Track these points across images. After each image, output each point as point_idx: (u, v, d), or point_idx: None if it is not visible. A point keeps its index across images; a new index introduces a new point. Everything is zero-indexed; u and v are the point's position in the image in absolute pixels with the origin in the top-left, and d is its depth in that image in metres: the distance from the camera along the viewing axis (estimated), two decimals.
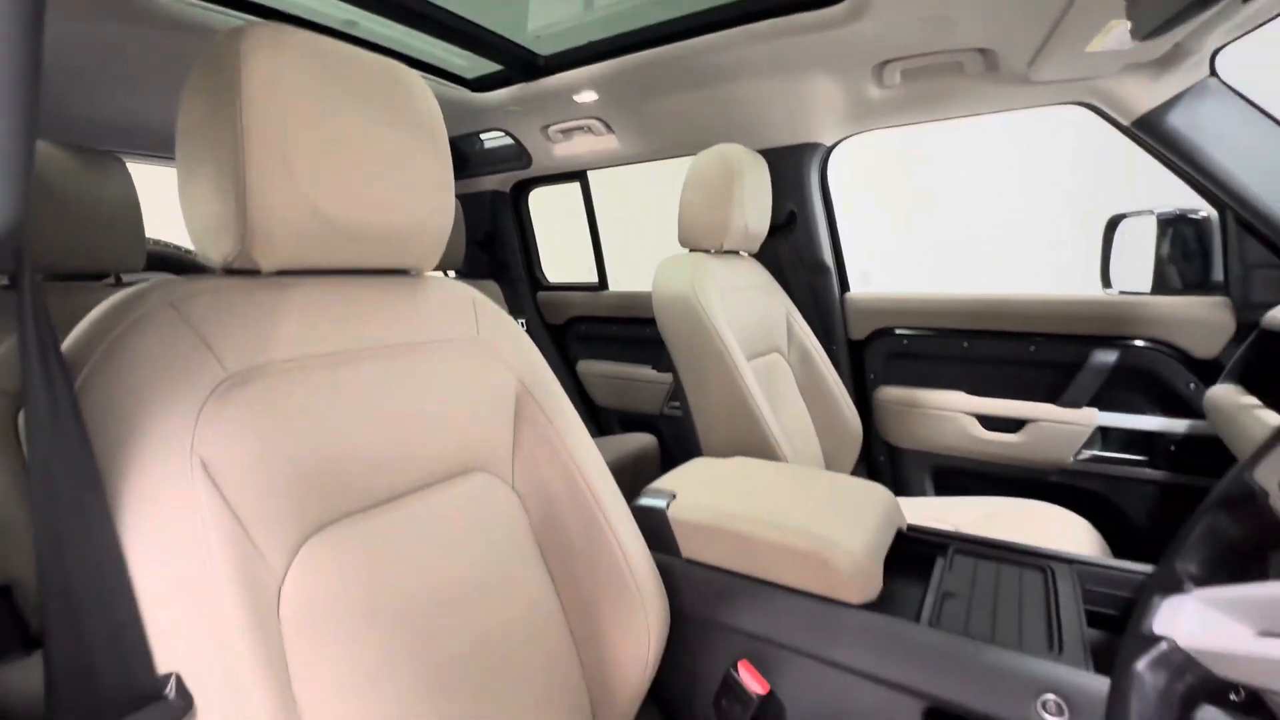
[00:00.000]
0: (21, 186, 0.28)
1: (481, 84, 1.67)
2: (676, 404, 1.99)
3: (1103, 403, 1.40)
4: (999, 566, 0.82)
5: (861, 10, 1.15)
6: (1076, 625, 0.68)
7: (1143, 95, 1.18)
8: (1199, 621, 0.36)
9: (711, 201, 1.35)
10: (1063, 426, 1.42)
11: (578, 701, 0.69)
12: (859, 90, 1.43)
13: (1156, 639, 0.37)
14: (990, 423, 1.52)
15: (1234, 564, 0.40)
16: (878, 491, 0.88)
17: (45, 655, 0.37)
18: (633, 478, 1.67)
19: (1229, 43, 1.06)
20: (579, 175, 2.08)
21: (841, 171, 1.69)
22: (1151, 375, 1.35)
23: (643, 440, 1.96)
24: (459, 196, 2.13)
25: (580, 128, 1.79)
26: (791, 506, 0.82)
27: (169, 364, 0.47)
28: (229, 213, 0.51)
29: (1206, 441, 1.27)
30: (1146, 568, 0.77)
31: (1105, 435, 1.41)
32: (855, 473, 1.56)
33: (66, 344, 0.46)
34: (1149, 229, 1.33)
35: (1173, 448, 1.33)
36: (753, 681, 0.73)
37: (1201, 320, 1.27)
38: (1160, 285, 1.32)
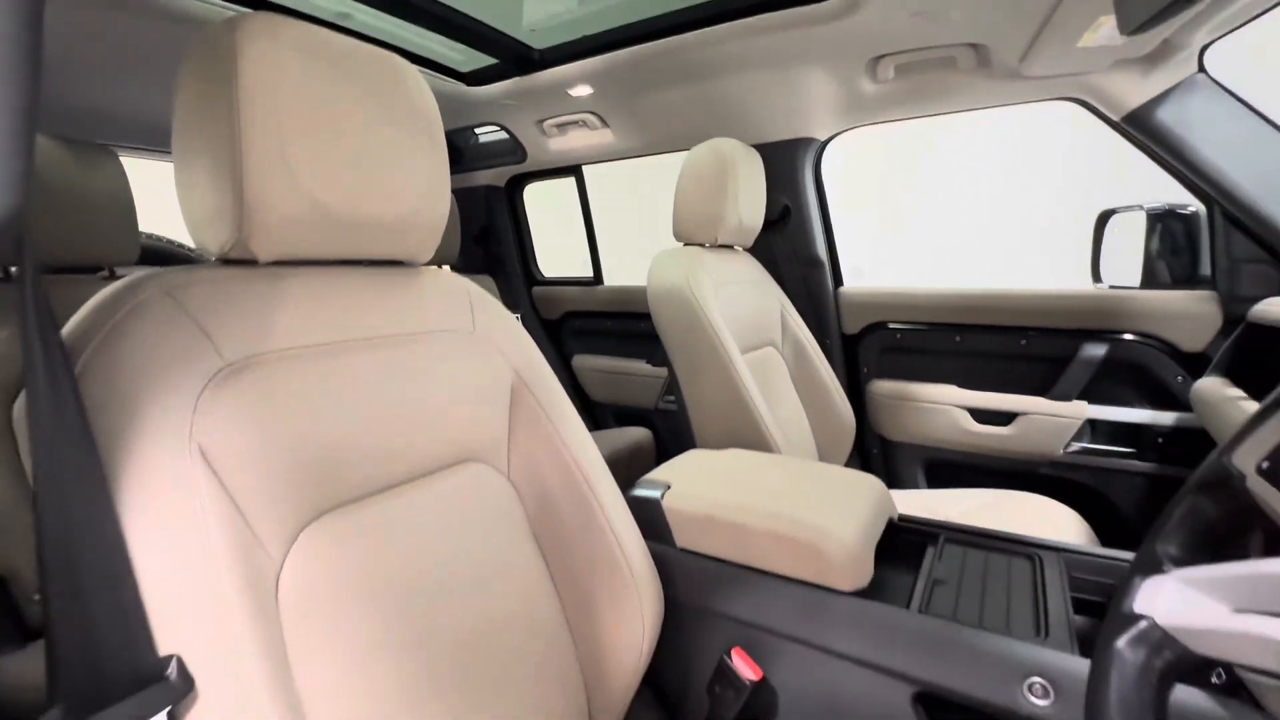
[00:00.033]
0: (23, 174, 0.29)
1: (476, 78, 1.67)
2: (671, 398, 2.00)
3: (1092, 396, 1.42)
4: (988, 555, 0.83)
5: (855, 5, 1.16)
6: (1063, 611, 0.69)
7: (1132, 91, 1.20)
8: (1178, 600, 0.37)
9: (706, 196, 1.36)
10: (1053, 419, 1.43)
11: (573, 688, 0.69)
12: (853, 85, 1.43)
13: (1136, 617, 0.38)
14: (981, 416, 1.54)
15: (1212, 545, 0.41)
16: (869, 482, 0.89)
17: (48, 637, 0.37)
18: (628, 471, 1.68)
19: (1216, 39, 1.08)
20: (574, 170, 2.08)
21: (835, 166, 1.70)
22: (1140, 369, 1.37)
23: (638, 434, 1.97)
24: (454, 191, 2.13)
25: (575, 122, 1.79)
26: (784, 496, 0.83)
27: (167, 352, 0.47)
28: (226, 202, 0.51)
29: (1193, 434, 1.29)
30: (1131, 555, 0.79)
31: (1094, 428, 1.43)
32: (848, 465, 1.57)
33: (64, 332, 0.47)
34: (1138, 224, 1.35)
35: (1160, 440, 1.35)
36: (746, 668, 0.74)
37: (1189, 314, 1.29)
38: (1149, 280, 1.34)
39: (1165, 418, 1.33)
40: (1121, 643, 0.38)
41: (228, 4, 1.13)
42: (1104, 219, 1.38)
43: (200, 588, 0.42)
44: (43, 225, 1.06)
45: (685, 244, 1.42)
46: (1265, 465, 0.40)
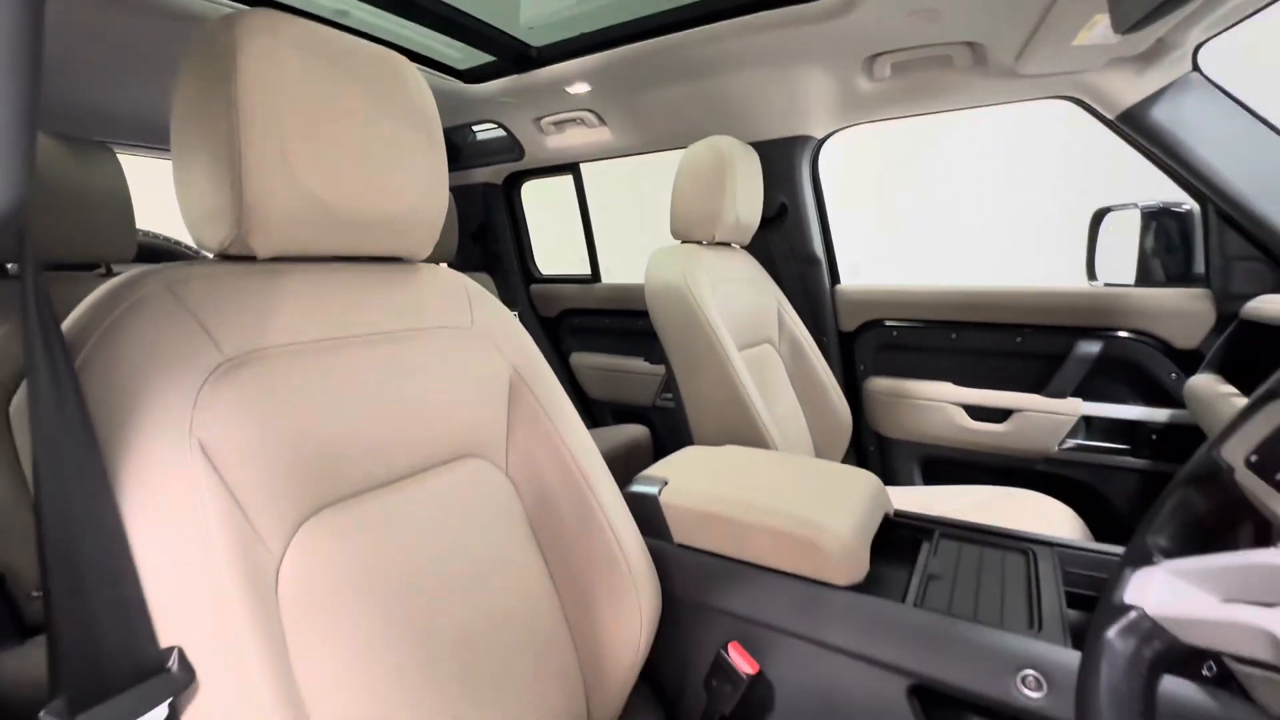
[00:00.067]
0: (25, 170, 0.29)
1: (474, 75, 1.67)
2: (669, 395, 2.00)
3: (1087, 393, 1.43)
4: (982, 550, 0.84)
5: (852, 3, 1.16)
6: (1056, 605, 0.70)
7: (1127, 89, 1.20)
8: (1167, 591, 0.38)
9: (703, 193, 1.36)
10: (1048, 416, 1.44)
11: (571, 682, 0.70)
12: (850, 83, 1.44)
13: (1126, 608, 0.39)
14: (977, 413, 1.54)
15: (1202, 537, 0.42)
16: (865, 477, 0.89)
17: (49, 630, 0.37)
18: (625, 468, 1.68)
19: (1211, 38, 1.09)
20: (572, 167, 2.09)
21: (832, 165, 1.70)
22: (1134, 366, 1.38)
23: (635, 431, 1.97)
24: (451, 189, 2.13)
25: (573, 120, 1.79)
26: (781, 492, 0.83)
27: (167, 347, 0.47)
28: (225, 198, 0.51)
29: (1187, 430, 1.30)
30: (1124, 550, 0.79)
31: (1089, 424, 1.44)
32: (845, 462, 1.58)
33: (64, 327, 0.47)
34: (1133, 222, 1.35)
35: (1154, 436, 1.36)
36: (743, 662, 0.75)
37: (1183, 311, 1.30)
38: (1144, 277, 1.35)
39: (1159, 414, 1.34)
40: (1112, 633, 0.38)
41: (226, 1, 1.13)
42: (1099, 217, 1.39)
43: (200, 582, 0.43)
44: (40, 222, 1.06)
45: (683, 241, 1.42)
46: (1253, 458, 0.40)
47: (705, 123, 1.62)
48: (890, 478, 1.71)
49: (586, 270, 2.23)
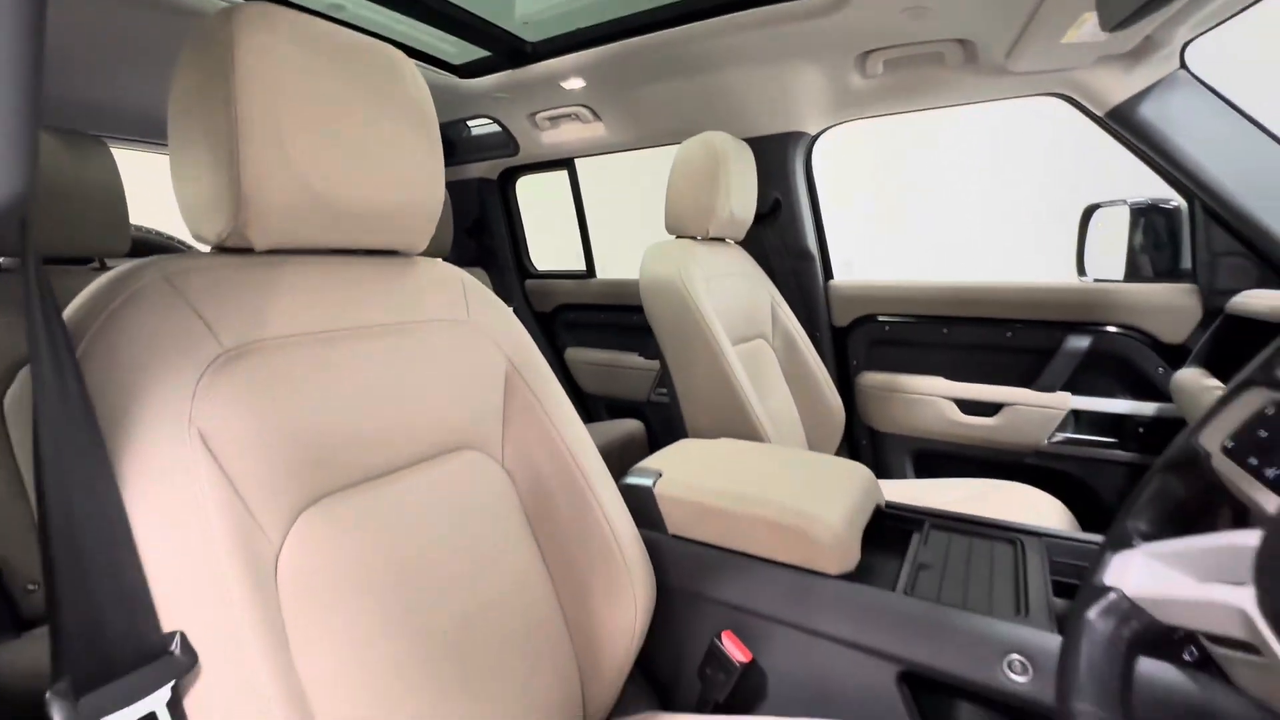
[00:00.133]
0: (29, 158, 0.29)
1: (469, 70, 1.67)
2: (663, 390, 2.01)
3: (1076, 387, 1.44)
4: (972, 540, 0.85)
5: (845, 0, 1.17)
6: (1043, 592, 0.71)
7: (1116, 87, 1.22)
8: (1146, 573, 0.39)
9: (697, 188, 1.37)
10: (1037, 410, 1.46)
11: (566, 671, 0.71)
12: (843, 80, 1.45)
13: (1106, 590, 0.40)
14: (968, 407, 1.56)
15: (1180, 521, 0.43)
16: (857, 469, 0.91)
17: (52, 616, 0.38)
18: (620, 462, 1.70)
19: (1197, 36, 1.10)
20: (567, 163, 2.09)
21: (825, 161, 1.71)
22: (1123, 360, 1.39)
23: (630, 426, 1.98)
24: (446, 184, 2.13)
25: (568, 115, 1.80)
26: (774, 483, 0.84)
27: (166, 338, 0.48)
28: (223, 190, 0.51)
29: (1173, 423, 1.32)
30: None
31: (1078, 418, 1.46)
32: (838, 456, 1.60)
33: (64, 316, 0.47)
34: (1122, 218, 1.37)
35: (1141, 430, 1.38)
36: (736, 651, 0.76)
37: (1170, 306, 1.32)
38: (1132, 273, 1.37)
39: (1146, 408, 1.36)
40: (1092, 613, 0.40)
41: None
42: (1089, 213, 1.41)
43: (201, 569, 0.43)
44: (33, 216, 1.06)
45: (677, 236, 1.43)
46: (1229, 445, 0.41)
47: (700, 118, 1.62)
48: (882, 471, 1.73)
49: (584, 266, 2.23)
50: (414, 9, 1.27)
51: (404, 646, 0.56)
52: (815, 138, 1.67)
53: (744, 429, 1.24)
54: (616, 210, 2.33)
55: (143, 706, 0.37)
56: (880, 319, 1.69)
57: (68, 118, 1.38)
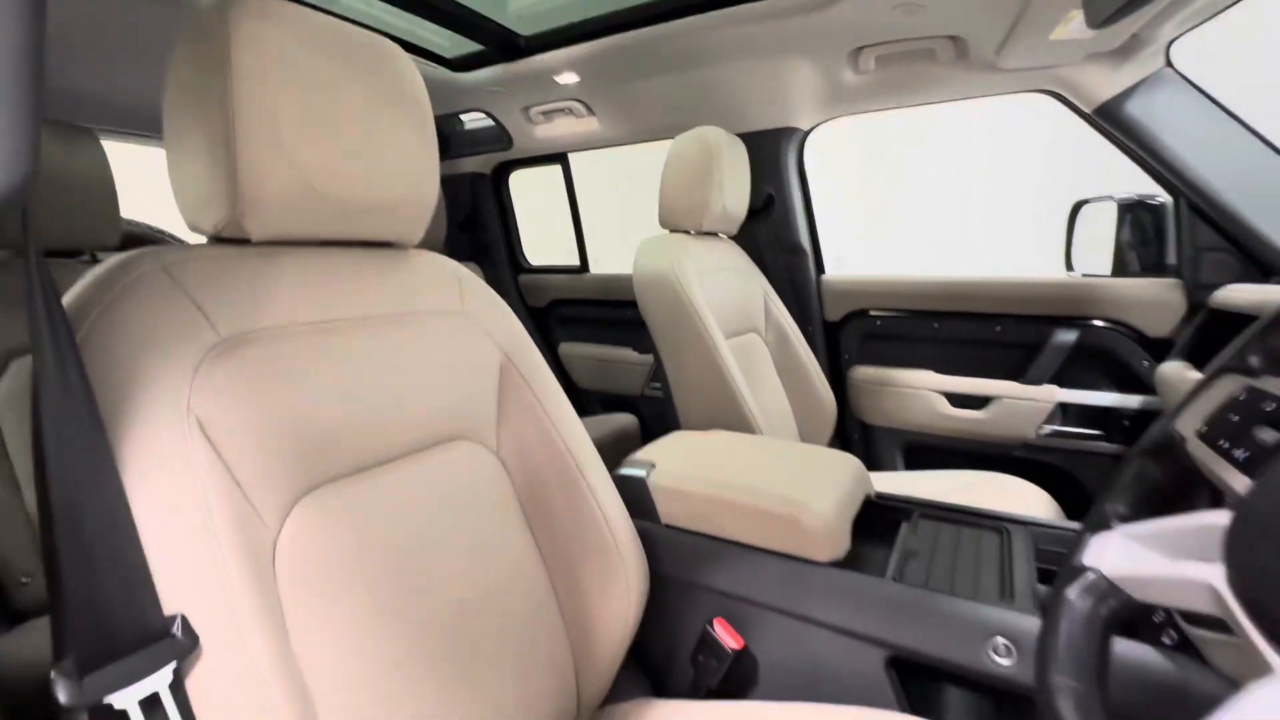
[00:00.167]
0: (31, 145, 0.30)
1: (462, 64, 1.67)
2: (657, 385, 2.02)
3: (1063, 380, 1.46)
4: (959, 529, 0.87)
5: None
6: (1028, 579, 0.73)
7: (1103, 84, 1.23)
8: (1122, 553, 0.41)
9: (691, 183, 1.38)
10: (1025, 403, 1.48)
11: (561, 659, 0.72)
12: (835, 75, 1.46)
13: (1085, 570, 0.41)
14: (958, 400, 1.58)
15: (1157, 503, 0.44)
16: (847, 460, 0.92)
17: (54, 597, 0.38)
18: (614, 456, 1.70)
19: (1183, 34, 1.12)
20: (560, 158, 2.09)
21: (817, 158, 1.73)
22: (1109, 354, 1.42)
23: (624, 420, 1.99)
24: (439, 178, 2.12)
25: (561, 110, 1.80)
26: (765, 473, 0.86)
27: (164, 327, 0.48)
28: (220, 181, 0.52)
29: (1157, 416, 1.34)
30: None
31: (1065, 411, 1.48)
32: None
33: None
34: (1110, 214, 1.39)
35: (1126, 422, 1.40)
36: (728, 637, 0.77)
37: (1156, 301, 1.34)
38: (1119, 268, 1.39)
39: (1131, 400, 1.38)
40: (1071, 592, 0.41)
41: None
42: (1077, 209, 1.43)
43: (200, 554, 0.44)
44: None
45: (670, 231, 1.44)
46: (1204, 429, 0.43)
47: (693, 114, 1.63)
48: (873, 464, 1.74)
49: (578, 261, 2.23)
50: (407, 2, 1.27)
51: (400, 634, 0.56)
52: (807, 133, 1.68)
53: (736, 422, 1.26)
54: (620, 205, 2.33)
55: (146, 686, 0.38)
56: (872, 313, 1.71)
57: (58, 109, 1.37)
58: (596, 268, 2.22)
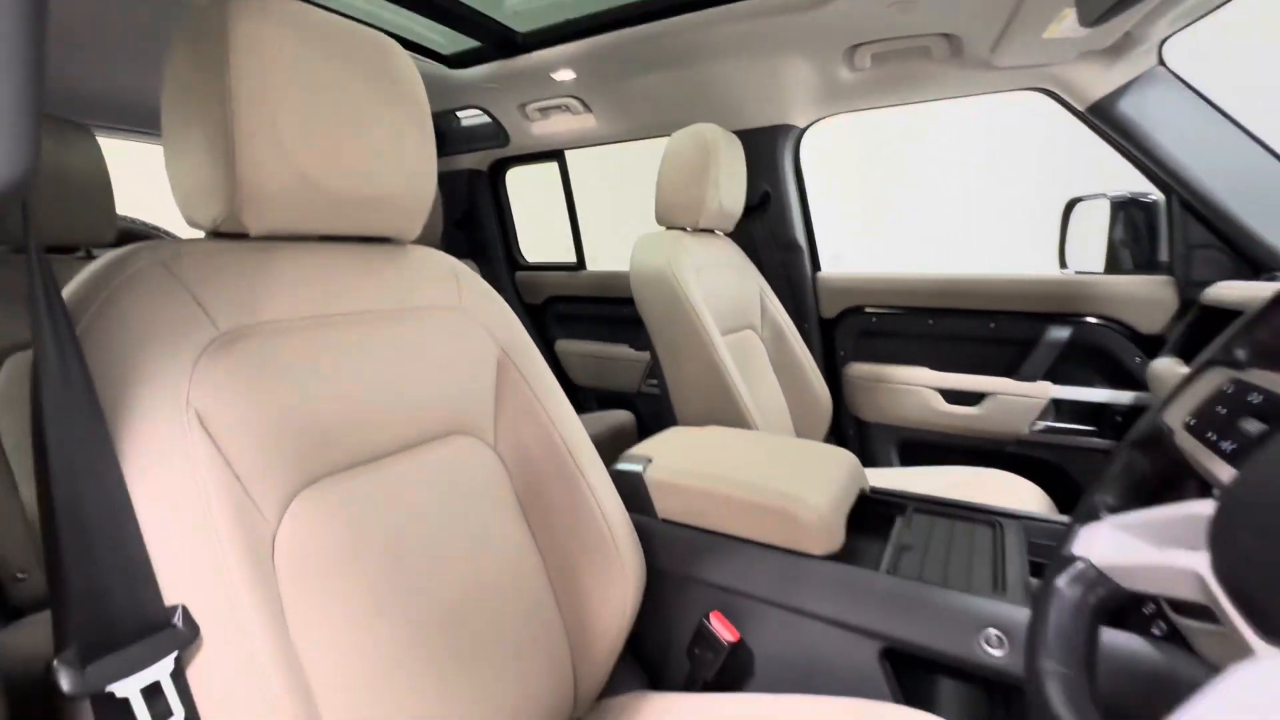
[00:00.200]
0: (33, 137, 0.30)
1: (459, 60, 1.67)
2: (653, 381, 2.02)
3: (1056, 376, 1.48)
4: (953, 523, 0.87)
5: None
6: (1020, 571, 0.74)
7: (1096, 82, 1.24)
8: (1111, 542, 0.41)
9: (687, 180, 1.38)
10: (1019, 399, 1.49)
11: (558, 652, 0.72)
12: (831, 73, 1.46)
13: (1074, 559, 0.42)
14: (952, 396, 1.59)
15: (1145, 494, 0.45)
16: (842, 455, 0.93)
17: (56, 587, 0.39)
18: (610, 453, 1.70)
19: (1175, 32, 1.13)
20: (557, 155, 2.09)
21: (813, 155, 1.73)
22: (1102, 350, 1.43)
23: (620, 417, 2.00)
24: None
25: (558, 107, 1.80)
26: (761, 468, 0.86)
27: (163, 321, 0.48)
28: (218, 175, 0.52)
29: None
30: None
31: (1058, 407, 1.49)
32: None
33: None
34: (1103, 211, 1.40)
35: (1119, 418, 1.41)
36: (724, 630, 0.78)
37: (1148, 298, 1.35)
38: (1112, 265, 1.40)
39: (1124, 397, 1.40)
40: (1061, 581, 0.42)
41: None
42: (1071, 206, 1.44)
43: (201, 547, 0.44)
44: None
45: (667, 228, 1.44)
46: (1191, 422, 0.44)
47: (690, 111, 1.63)
48: (869, 460, 1.75)
49: (574, 258, 2.23)
50: None
51: (398, 627, 0.57)
52: (804, 131, 1.68)
53: (733, 418, 1.26)
54: (623, 202, 2.32)
55: (148, 675, 0.38)
56: (867, 310, 1.72)
57: (54, 105, 1.36)
58: (592, 264, 2.23)
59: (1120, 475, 0.46)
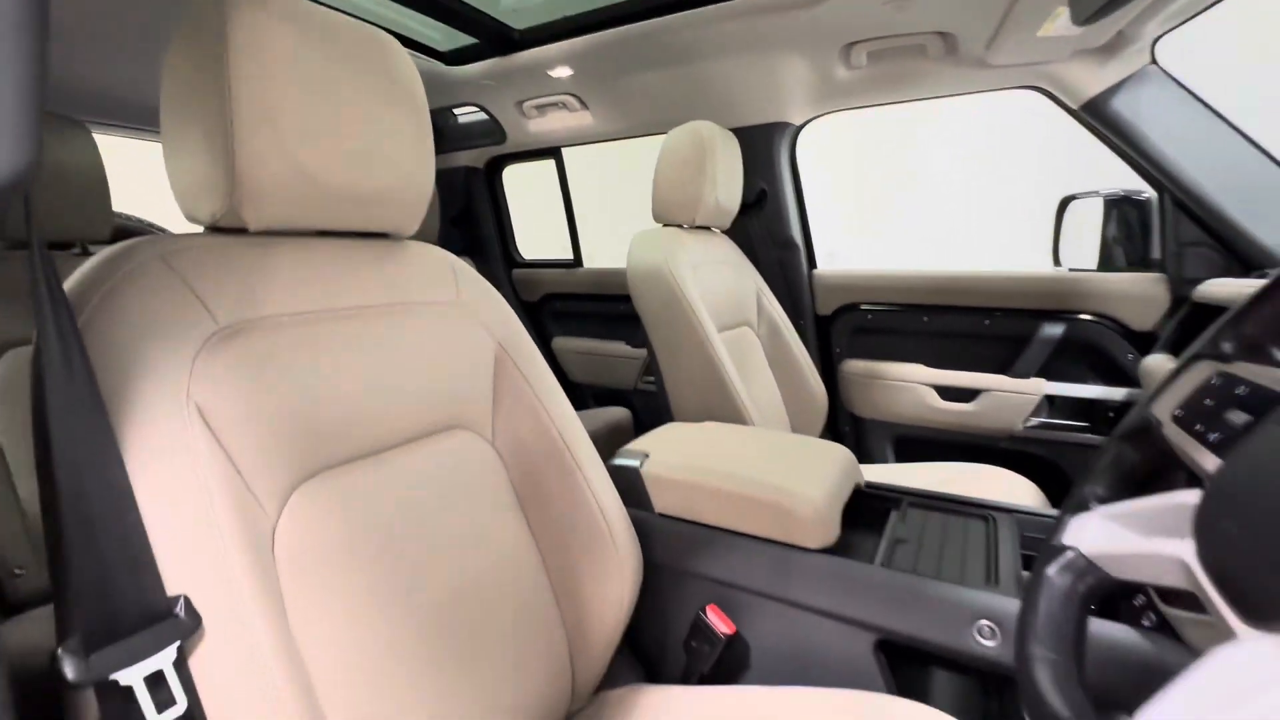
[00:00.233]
0: (35, 131, 0.30)
1: (455, 57, 1.67)
2: (650, 378, 2.03)
3: (1050, 373, 1.49)
4: (947, 517, 0.88)
5: None
6: (1012, 564, 0.75)
7: (1090, 81, 1.25)
8: (1100, 532, 0.42)
9: (684, 177, 1.39)
10: (1013, 396, 1.50)
11: (556, 646, 0.73)
12: (827, 70, 1.47)
13: (1064, 548, 0.43)
14: (947, 393, 1.60)
15: (1134, 485, 0.46)
16: (837, 450, 0.93)
17: (58, 577, 0.39)
18: (607, 449, 1.71)
19: (1168, 31, 1.13)
20: (554, 152, 2.09)
21: (810, 153, 1.74)
22: (1094, 347, 1.44)
23: (617, 413, 2.00)
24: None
25: (555, 104, 1.80)
26: (757, 463, 0.87)
27: (163, 315, 0.49)
28: (217, 171, 0.52)
29: None
30: None
31: (1051, 403, 1.51)
32: None
33: None
34: (1096, 209, 1.41)
35: (1111, 414, 1.42)
36: (720, 623, 0.79)
37: (1140, 295, 1.36)
38: (1106, 262, 1.41)
39: (1116, 393, 1.41)
40: (1051, 570, 0.42)
41: None
42: (1064, 204, 1.45)
43: (203, 540, 0.44)
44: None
45: (664, 225, 1.45)
46: (1179, 414, 0.44)
47: (686, 108, 1.64)
48: (864, 456, 1.76)
49: (571, 255, 2.24)
50: None
51: (397, 620, 0.57)
52: (800, 128, 1.69)
53: (729, 414, 1.27)
54: (625, 199, 2.32)
55: (150, 664, 0.39)
56: (863, 307, 1.73)
57: (50, 101, 1.36)
58: (589, 261, 2.23)
59: (1109, 466, 0.46)
